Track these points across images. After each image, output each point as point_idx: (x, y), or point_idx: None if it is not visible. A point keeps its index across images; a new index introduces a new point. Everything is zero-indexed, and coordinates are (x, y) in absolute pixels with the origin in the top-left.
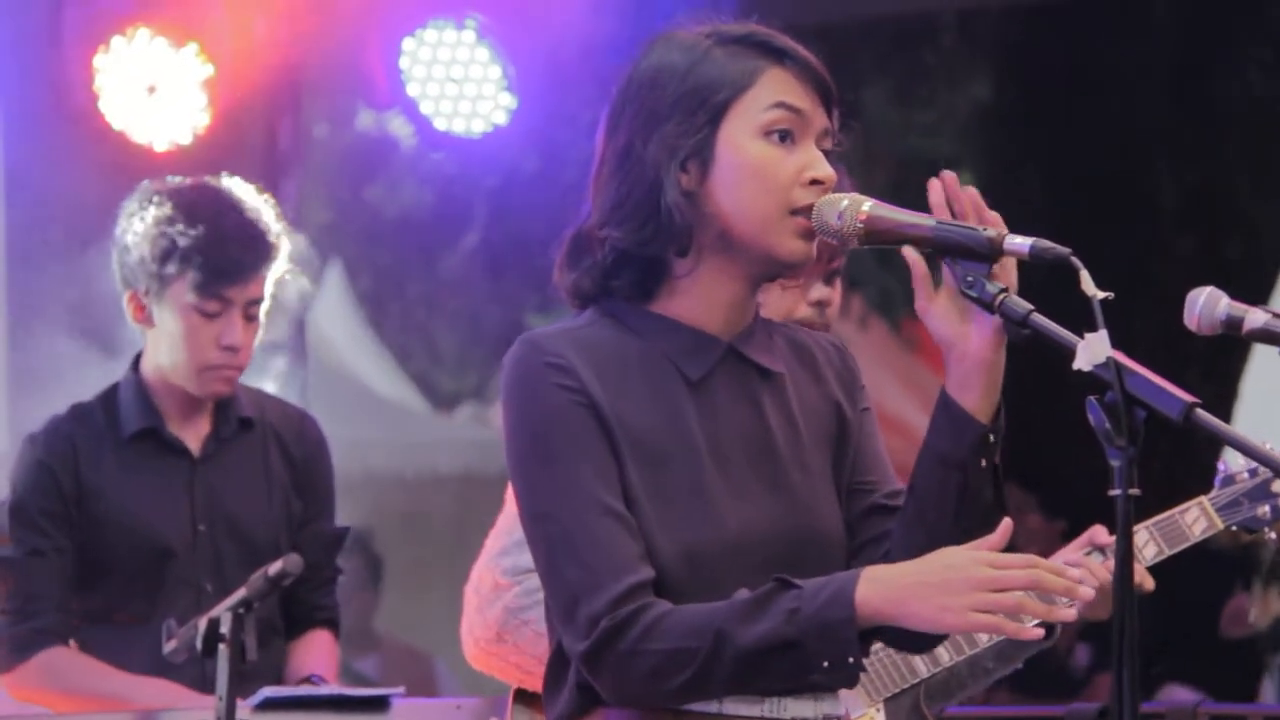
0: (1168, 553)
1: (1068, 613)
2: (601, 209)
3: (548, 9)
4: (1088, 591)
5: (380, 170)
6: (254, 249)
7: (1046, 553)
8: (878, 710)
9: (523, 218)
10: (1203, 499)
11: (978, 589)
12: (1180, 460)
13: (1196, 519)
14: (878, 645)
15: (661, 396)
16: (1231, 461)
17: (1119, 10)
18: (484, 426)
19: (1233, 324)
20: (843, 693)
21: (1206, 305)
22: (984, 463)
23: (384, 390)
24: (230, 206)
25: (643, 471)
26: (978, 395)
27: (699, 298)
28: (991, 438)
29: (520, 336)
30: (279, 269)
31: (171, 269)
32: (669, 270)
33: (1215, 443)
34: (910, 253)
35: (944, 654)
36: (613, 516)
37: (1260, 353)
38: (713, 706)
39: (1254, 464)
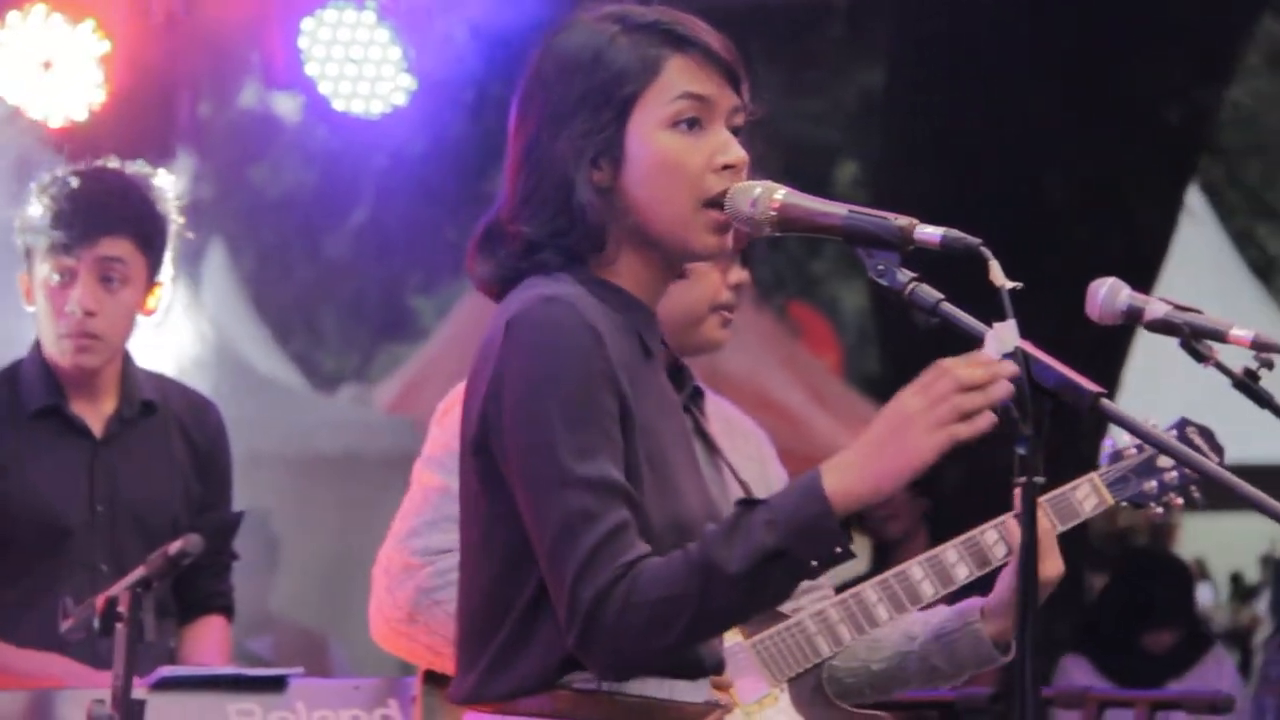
0: (1060, 528)
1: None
2: (512, 201)
3: None
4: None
5: (266, 149)
6: (100, 212)
7: (912, 531)
8: (781, 690)
9: (408, 199)
10: (1093, 475)
11: (920, 418)
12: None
13: (1087, 495)
14: (781, 626)
15: (637, 369)
16: (1118, 438)
17: (1013, 3)
18: (366, 407)
19: (1133, 314)
20: (746, 673)
21: (1108, 296)
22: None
23: (265, 369)
24: (88, 181)
25: (645, 443)
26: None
27: (625, 280)
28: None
29: (541, 295)
30: (154, 240)
31: (32, 241)
32: (586, 260)
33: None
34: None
35: (844, 632)
36: (628, 501)
37: (1141, 344)
38: (664, 691)
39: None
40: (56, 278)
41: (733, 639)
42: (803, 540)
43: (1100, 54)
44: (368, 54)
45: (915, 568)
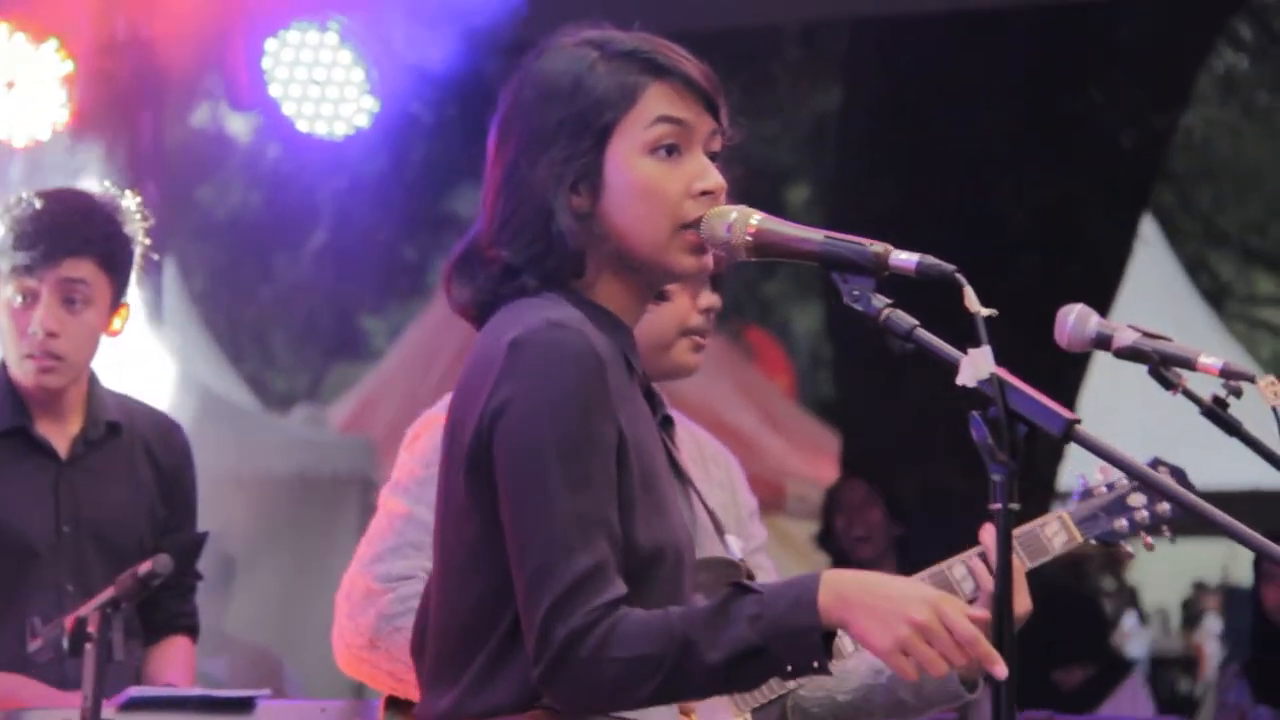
0: (1029, 566)
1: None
2: (491, 227)
3: (410, 13)
4: (985, 579)
5: (219, 169)
6: (61, 232)
7: (881, 556)
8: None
9: (361, 220)
10: (1062, 512)
11: (910, 628)
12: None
13: (1057, 532)
14: None
15: (628, 392)
16: (1089, 475)
17: (969, 28)
18: (318, 427)
19: (1102, 341)
20: (711, 701)
21: (1077, 323)
22: None
23: (218, 389)
24: (51, 203)
25: (639, 466)
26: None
27: (605, 302)
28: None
29: (547, 319)
30: (118, 261)
31: None
32: (564, 284)
33: (1054, 457)
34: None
35: None
36: (611, 540)
37: (1097, 369)
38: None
39: (1111, 479)
40: (19, 299)
41: None
42: (785, 645)
43: (1055, 78)
44: (331, 75)
45: None
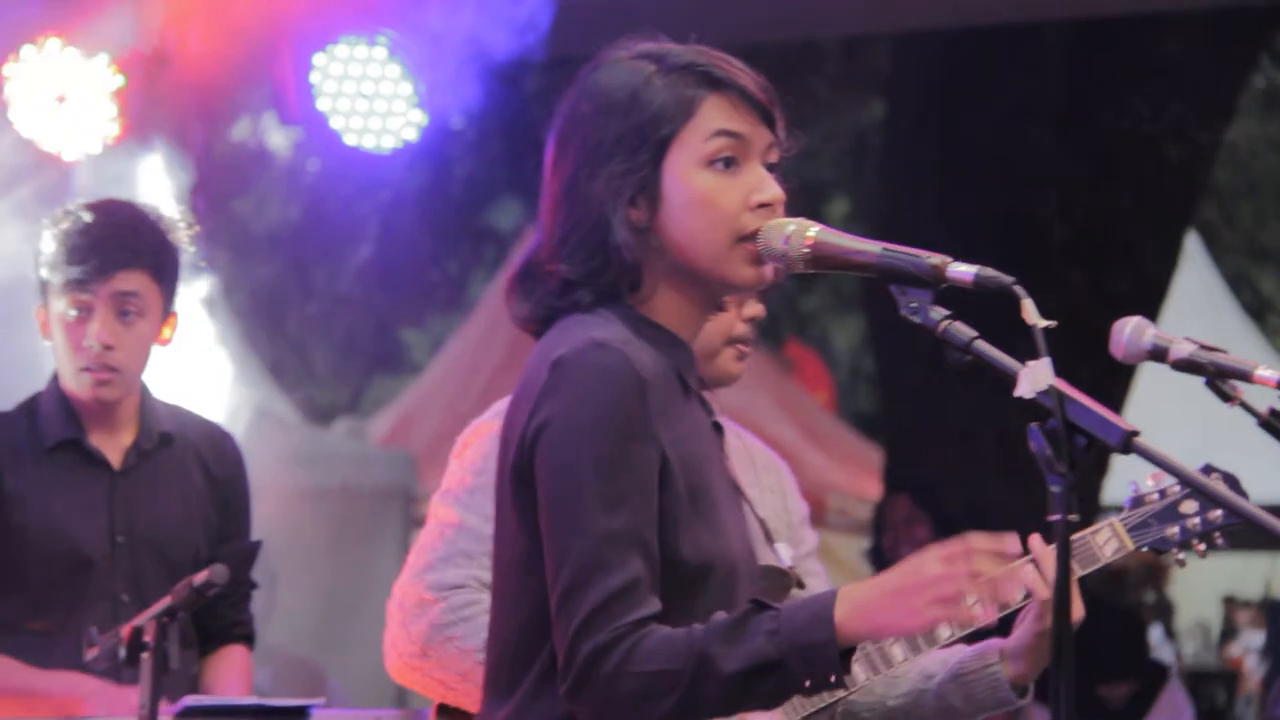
0: (1079, 573)
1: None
2: (550, 241)
3: (459, 26)
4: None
5: (256, 183)
6: (113, 245)
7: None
8: None
9: (404, 234)
10: (1114, 520)
11: (929, 588)
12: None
13: (1108, 540)
14: None
15: (679, 408)
16: (1141, 483)
17: (1009, 42)
18: (359, 440)
19: (1158, 353)
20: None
21: (1133, 335)
22: None
23: (259, 402)
24: (101, 214)
25: (689, 482)
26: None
27: (662, 317)
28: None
29: (592, 339)
30: (167, 271)
31: (47, 277)
32: (622, 298)
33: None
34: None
35: (858, 672)
36: (646, 558)
37: (1142, 381)
38: None
39: (1163, 485)
40: (73, 313)
41: None
42: (802, 660)
43: (1098, 92)
44: (379, 89)
45: None
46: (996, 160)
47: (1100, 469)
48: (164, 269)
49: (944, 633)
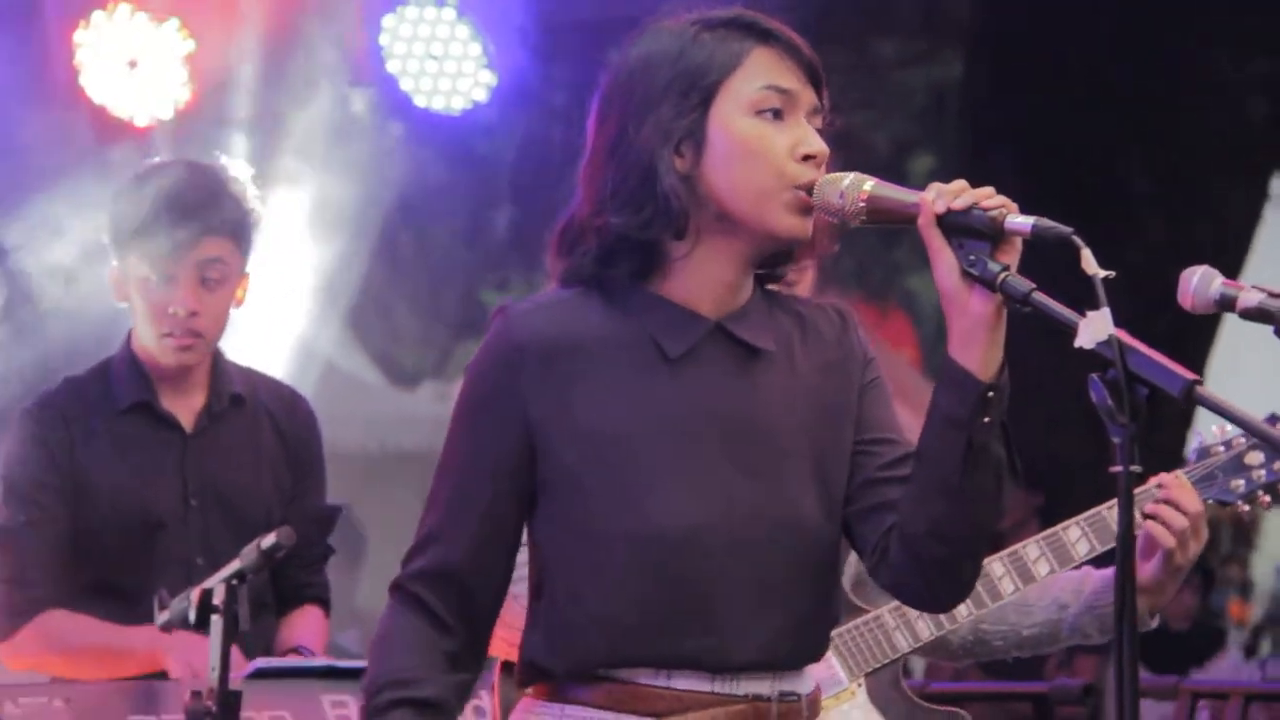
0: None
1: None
2: (596, 197)
3: None
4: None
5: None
6: (198, 212)
7: (1023, 523)
8: (859, 685)
9: (486, 197)
10: (1178, 472)
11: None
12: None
13: None
14: (860, 620)
15: (630, 376)
16: (1206, 435)
17: None
18: (445, 403)
19: (1226, 303)
20: (822, 668)
21: (1200, 284)
22: (987, 419)
23: (346, 367)
24: (181, 177)
25: (588, 456)
26: (980, 353)
27: (693, 278)
28: (992, 394)
29: (506, 303)
30: (246, 236)
31: (127, 242)
32: (665, 253)
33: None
34: (925, 197)
35: (923, 628)
36: (462, 497)
37: (1225, 335)
38: (661, 679)
39: (1228, 437)
40: (155, 277)
41: None
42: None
43: (1181, 42)
44: (448, 50)
45: (995, 564)
46: (1077, 112)
47: (1183, 421)
48: (244, 233)
49: (1082, 548)
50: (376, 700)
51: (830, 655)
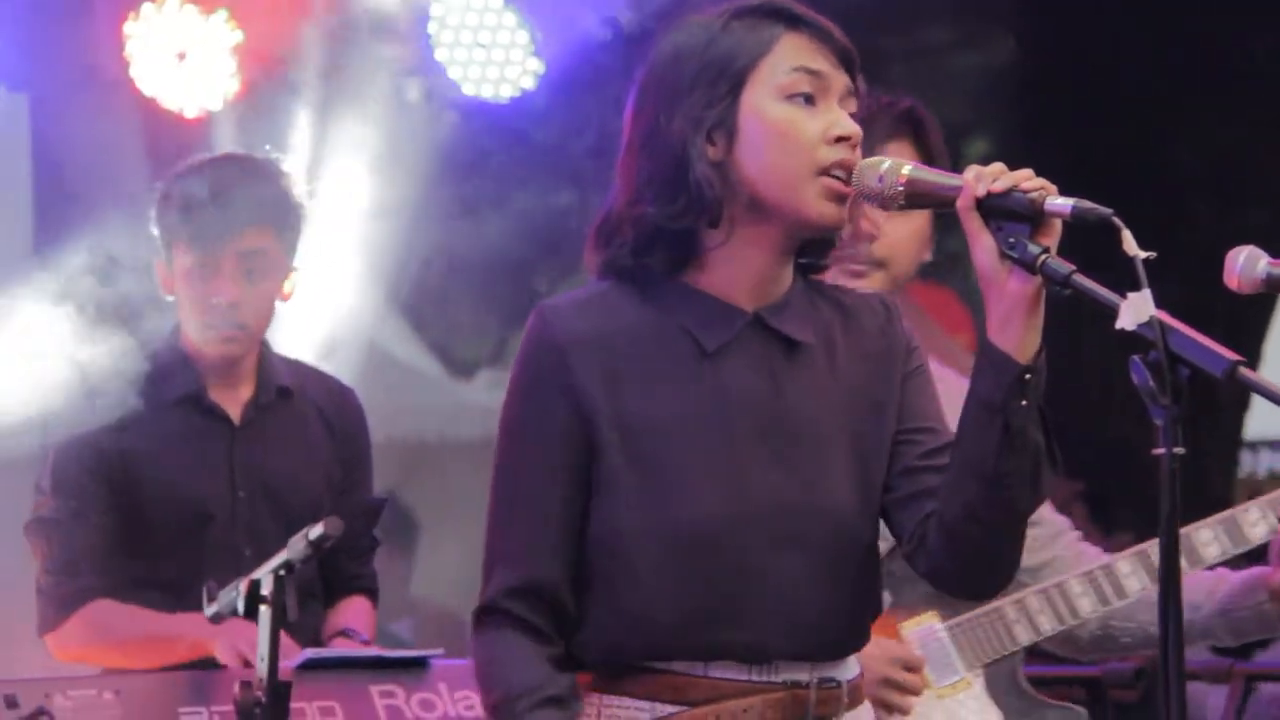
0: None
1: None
2: (631, 187)
3: None
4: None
5: (398, 136)
6: (242, 204)
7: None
8: (976, 676)
9: (539, 185)
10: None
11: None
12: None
13: (1255, 522)
14: (979, 612)
15: (667, 371)
16: None
17: None
18: (500, 390)
19: (1273, 282)
20: (940, 657)
21: (1246, 264)
22: (1025, 402)
23: (403, 357)
24: (226, 169)
25: (627, 451)
26: (1018, 335)
27: (729, 269)
28: (1030, 377)
29: (540, 303)
30: (291, 228)
31: (171, 234)
32: (700, 243)
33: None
34: (965, 179)
35: (1044, 623)
36: (535, 507)
37: None
38: (698, 669)
39: None
40: (200, 269)
41: (929, 622)
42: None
43: (1231, 22)
44: (496, 38)
45: (1123, 563)
46: (1127, 94)
47: (1241, 404)
48: (288, 225)
49: (1213, 551)
50: (516, 708)
51: (947, 645)
